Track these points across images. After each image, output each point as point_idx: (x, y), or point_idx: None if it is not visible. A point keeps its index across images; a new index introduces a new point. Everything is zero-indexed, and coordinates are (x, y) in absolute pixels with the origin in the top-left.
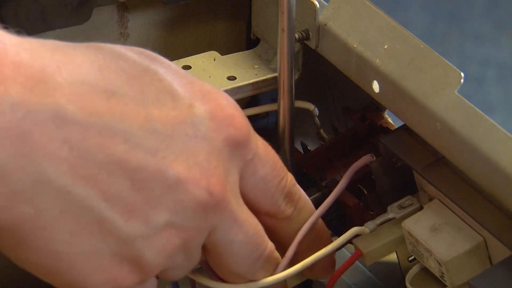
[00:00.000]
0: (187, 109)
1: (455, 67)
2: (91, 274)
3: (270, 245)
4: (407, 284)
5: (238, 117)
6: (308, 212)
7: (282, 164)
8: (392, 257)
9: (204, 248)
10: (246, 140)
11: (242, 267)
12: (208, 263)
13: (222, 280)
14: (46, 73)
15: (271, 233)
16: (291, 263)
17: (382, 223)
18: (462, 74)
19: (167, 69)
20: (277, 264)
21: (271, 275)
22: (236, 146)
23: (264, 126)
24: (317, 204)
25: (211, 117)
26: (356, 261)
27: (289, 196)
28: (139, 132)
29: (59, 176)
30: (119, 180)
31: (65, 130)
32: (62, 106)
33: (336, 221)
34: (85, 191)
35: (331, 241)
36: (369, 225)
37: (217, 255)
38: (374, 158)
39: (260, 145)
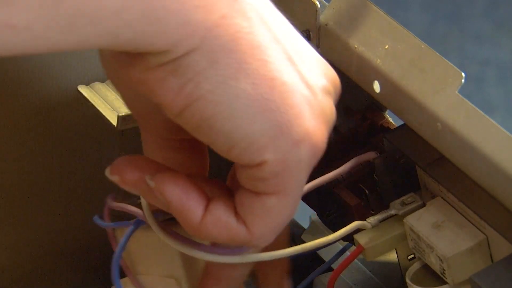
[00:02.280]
0: None
1: (456, 67)
2: (297, 116)
3: None
4: (407, 281)
5: None
6: None
7: None
8: (392, 256)
9: None
10: None
11: (281, 225)
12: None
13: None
14: None
15: None
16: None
17: (384, 219)
18: (463, 74)
19: None
20: None
21: None
22: None
23: None
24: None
25: None
26: (357, 261)
27: None
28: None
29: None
30: (290, 36)
31: None
32: None
33: (337, 221)
34: (277, 27)
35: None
36: (371, 221)
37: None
38: (378, 155)
39: None
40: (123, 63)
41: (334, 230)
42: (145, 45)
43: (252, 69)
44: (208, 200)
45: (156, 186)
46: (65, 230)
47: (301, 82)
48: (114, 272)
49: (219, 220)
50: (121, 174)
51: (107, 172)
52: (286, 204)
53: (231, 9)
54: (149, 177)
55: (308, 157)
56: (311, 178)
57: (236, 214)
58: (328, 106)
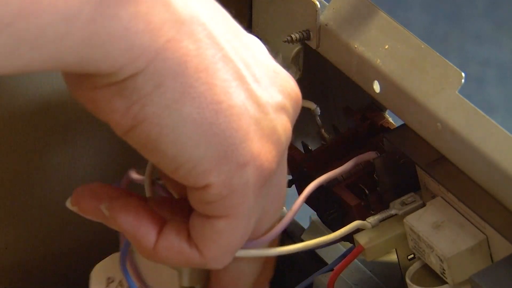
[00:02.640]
0: None
1: (456, 67)
2: (243, 139)
3: None
4: (407, 280)
5: None
6: None
7: None
8: (392, 257)
9: None
10: None
11: (234, 247)
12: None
13: None
14: None
15: None
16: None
17: (384, 219)
18: (463, 74)
19: None
20: None
21: None
22: None
23: None
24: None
25: None
26: (357, 261)
27: None
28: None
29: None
30: (246, 51)
31: None
32: None
33: (337, 221)
34: (229, 45)
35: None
36: (371, 221)
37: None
38: (378, 155)
39: None
40: (73, 82)
41: (334, 230)
42: (90, 68)
43: (197, 93)
44: (162, 225)
45: (109, 215)
46: (65, 229)
47: (251, 102)
48: (123, 250)
49: (172, 245)
50: (79, 203)
51: (68, 203)
52: (236, 227)
53: (178, 32)
54: (104, 205)
55: (254, 180)
56: (311, 178)
57: (189, 237)
58: (280, 124)
